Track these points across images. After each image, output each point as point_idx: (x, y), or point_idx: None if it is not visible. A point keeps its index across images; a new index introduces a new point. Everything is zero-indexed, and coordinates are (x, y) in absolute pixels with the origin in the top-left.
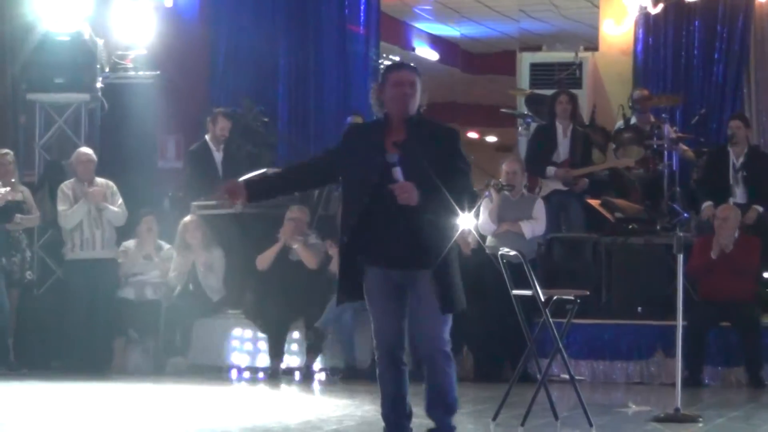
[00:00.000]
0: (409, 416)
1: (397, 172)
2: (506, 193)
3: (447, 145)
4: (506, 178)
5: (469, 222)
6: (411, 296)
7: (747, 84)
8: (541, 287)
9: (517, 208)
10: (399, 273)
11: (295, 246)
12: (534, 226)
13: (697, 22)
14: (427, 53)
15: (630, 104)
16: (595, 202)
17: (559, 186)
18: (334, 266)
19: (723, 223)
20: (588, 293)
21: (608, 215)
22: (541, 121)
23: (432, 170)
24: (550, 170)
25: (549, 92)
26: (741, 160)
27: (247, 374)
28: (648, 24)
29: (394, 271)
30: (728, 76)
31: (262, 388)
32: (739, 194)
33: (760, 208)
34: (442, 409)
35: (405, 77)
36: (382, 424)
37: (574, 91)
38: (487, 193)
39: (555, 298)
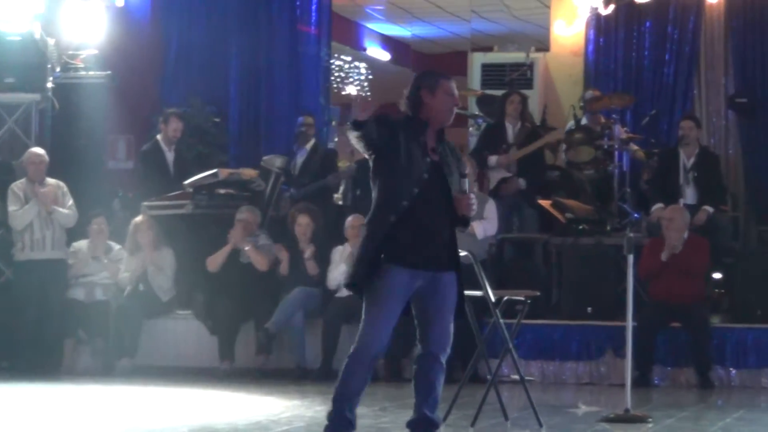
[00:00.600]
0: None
1: (465, 183)
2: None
3: (459, 158)
4: None
5: None
6: (432, 297)
7: (697, 85)
8: (492, 288)
9: None
10: (427, 274)
11: (246, 248)
12: (486, 226)
13: (648, 24)
14: (379, 54)
15: (581, 105)
16: (546, 203)
17: (504, 173)
18: (284, 268)
19: (670, 224)
20: (538, 294)
21: (559, 216)
22: (492, 121)
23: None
24: (492, 159)
25: (500, 93)
26: (692, 160)
27: (196, 375)
28: (599, 25)
29: (422, 272)
30: (679, 77)
31: (212, 389)
32: (689, 195)
33: (711, 209)
34: (434, 405)
35: (455, 89)
36: (326, 422)
37: (525, 91)
38: None
39: (505, 298)
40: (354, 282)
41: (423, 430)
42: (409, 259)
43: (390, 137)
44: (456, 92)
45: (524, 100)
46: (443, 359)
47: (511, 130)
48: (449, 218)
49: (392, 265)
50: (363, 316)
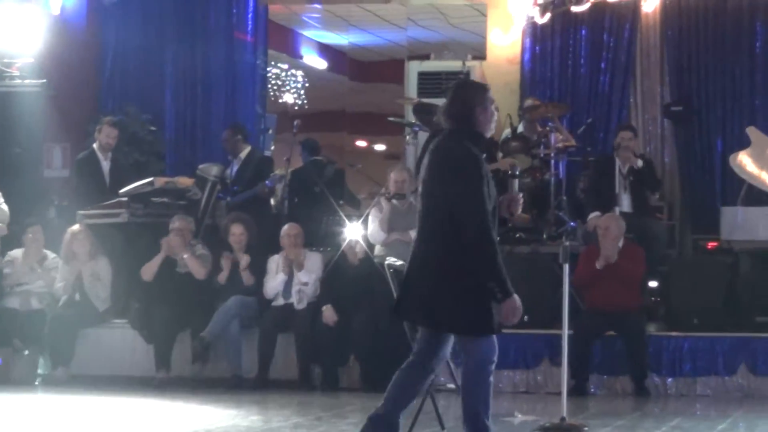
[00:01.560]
0: None
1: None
2: (395, 202)
3: None
4: (395, 187)
5: (356, 232)
6: None
7: (633, 93)
8: None
9: (406, 217)
10: None
11: (185, 256)
12: None
13: (583, 32)
14: (316, 61)
15: (519, 113)
16: None
17: None
18: (223, 277)
19: (606, 233)
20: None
21: None
22: (429, 130)
23: None
24: None
25: (437, 101)
26: (628, 167)
27: (132, 384)
28: (535, 33)
29: None
30: (615, 86)
31: (148, 398)
32: (625, 203)
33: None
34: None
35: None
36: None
37: None
38: (377, 201)
39: None
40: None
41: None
42: None
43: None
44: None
45: None
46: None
47: None
48: None
49: None
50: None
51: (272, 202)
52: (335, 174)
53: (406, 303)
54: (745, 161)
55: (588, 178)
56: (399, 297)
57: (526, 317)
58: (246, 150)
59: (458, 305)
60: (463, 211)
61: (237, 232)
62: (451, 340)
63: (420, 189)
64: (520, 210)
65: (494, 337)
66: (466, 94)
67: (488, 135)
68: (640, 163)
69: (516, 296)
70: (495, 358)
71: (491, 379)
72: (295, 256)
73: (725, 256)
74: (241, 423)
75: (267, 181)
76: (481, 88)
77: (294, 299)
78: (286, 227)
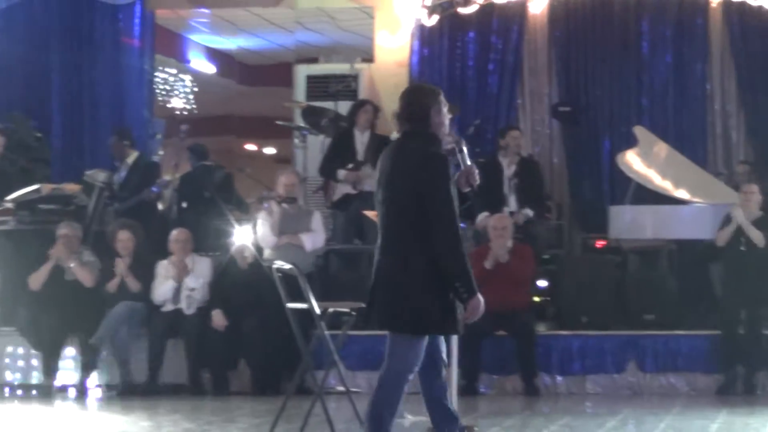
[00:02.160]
0: None
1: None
2: (285, 206)
3: None
4: (285, 191)
5: (245, 236)
6: None
7: (521, 94)
8: (318, 299)
9: (296, 221)
10: None
11: (72, 265)
12: (314, 239)
13: (471, 34)
14: (204, 66)
15: None
16: (371, 214)
17: (350, 190)
18: (113, 285)
19: (503, 233)
20: (363, 305)
21: None
22: (318, 133)
23: None
24: (341, 173)
25: (325, 104)
26: (512, 169)
27: (20, 392)
28: (423, 35)
29: None
30: (503, 87)
31: (36, 406)
32: (512, 203)
33: (530, 212)
34: None
35: None
36: None
37: (350, 103)
38: (266, 205)
39: (331, 310)
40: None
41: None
42: None
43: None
44: None
45: (376, 110)
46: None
47: (359, 137)
48: None
49: None
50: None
51: (160, 207)
52: (224, 178)
53: (373, 312)
54: (632, 160)
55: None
56: (367, 308)
57: None
58: (133, 155)
59: (425, 306)
60: (433, 212)
61: (123, 238)
62: None
63: (380, 195)
64: (478, 180)
65: (422, 343)
66: (420, 97)
67: (442, 137)
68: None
69: (479, 294)
70: (418, 365)
71: (405, 387)
72: (182, 262)
73: (614, 254)
74: (130, 429)
75: (153, 187)
76: (434, 91)
77: (183, 304)
78: (174, 232)
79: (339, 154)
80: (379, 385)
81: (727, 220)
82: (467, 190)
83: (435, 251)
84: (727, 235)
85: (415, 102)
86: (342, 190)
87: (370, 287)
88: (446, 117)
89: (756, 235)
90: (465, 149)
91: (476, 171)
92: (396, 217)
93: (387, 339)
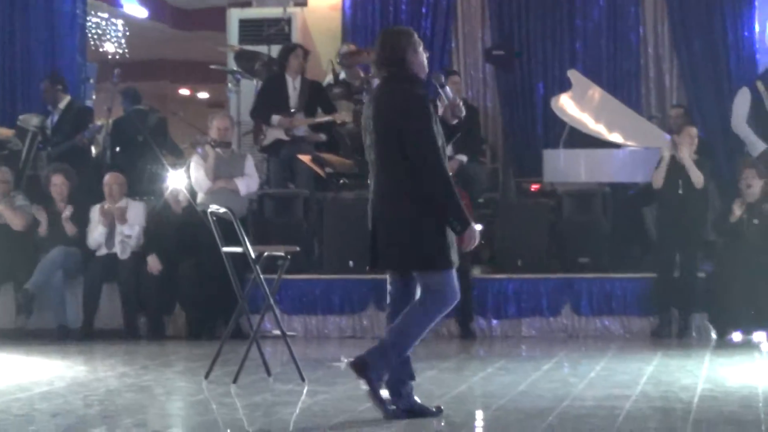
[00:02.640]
0: None
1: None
2: (219, 150)
3: None
4: (218, 135)
5: (179, 181)
6: None
7: (455, 38)
8: (253, 244)
9: (229, 165)
10: None
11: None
12: (248, 183)
13: None
14: (136, 10)
15: (338, 60)
16: (306, 158)
17: (282, 135)
18: (43, 229)
19: None
20: (298, 249)
21: (319, 171)
22: (251, 77)
23: None
24: (275, 118)
25: (259, 48)
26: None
27: None
28: None
29: None
30: (436, 31)
31: None
32: (448, 148)
33: (464, 158)
34: None
35: None
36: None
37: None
38: (199, 149)
39: (266, 254)
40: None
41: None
42: None
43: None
44: None
45: (307, 54)
46: None
47: (291, 82)
48: None
49: None
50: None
51: (93, 151)
52: (158, 123)
53: (375, 254)
54: (566, 104)
55: None
56: (370, 250)
57: (351, 262)
58: (65, 100)
59: (419, 243)
60: (415, 150)
61: (58, 182)
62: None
63: (368, 140)
64: (464, 112)
65: (455, 282)
66: (394, 40)
67: (423, 76)
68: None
69: (473, 223)
70: (452, 303)
71: (432, 324)
72: (117, 206)
73: (548, 198)
74: (66, 373)
75: (85, 132)
76: (407, 32)
77: (117, 249)
78: (107, 176)
79: (271, 99)
80: (406, 314)
81: (662, 160)
82: (455, 122)
83: (424, 191)
84: (662, 173)
85: (390, 46)
86: (273, 134)
87: (370, 230)
88: (423, 56)
89: (696, 176)
90: (445, 83)
91: (460, 103)
92: (384, 160)
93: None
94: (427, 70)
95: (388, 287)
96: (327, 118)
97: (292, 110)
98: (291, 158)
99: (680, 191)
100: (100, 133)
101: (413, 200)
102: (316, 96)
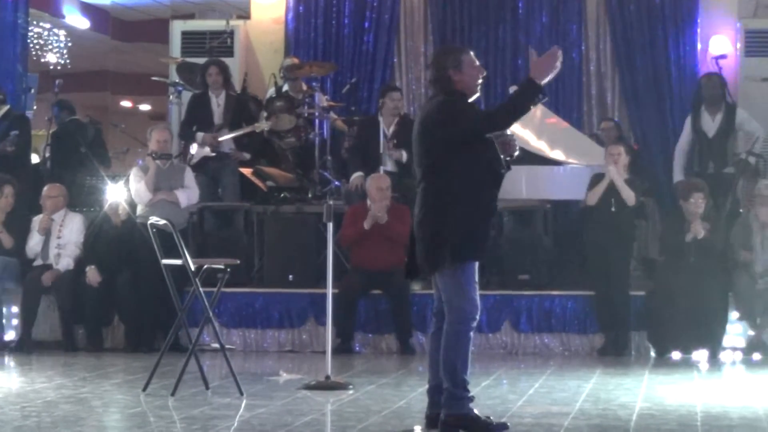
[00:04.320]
0: None
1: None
2: (158, 163)
3: None
4: (158, 147)
5: (119, 193)
6: None
7: (398, 53)
8: (193, 256)
9: (169, 177)
10: None
11: None
12: (189, 195)
13: None
14: (78, 21)
15: (281, 73)
16: (247, 171)
17: (208, 153)
18: None
19: (385, 194)
20: (238, 262)
21: (260, 184)
22: (193, 89)
23: None
24: (199, 136)
25: (201, 60)
26: (392, 129)
27: None
28: None
29: None
30: (379, 45)
31: None
32: (390, 163)
33: (405, 155)
34: None
35: (475, 59)
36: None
37: (226, 59)
38: (140, 161)
39: (205, 267)
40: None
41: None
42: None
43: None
44: (477, 61)
45: (223, 69)
46: None
47: (215, 99)
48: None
49: None
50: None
51: (36, 159)
52: (96, 134)
53: (413, 263)
54: None
55: (352, 138)
56: (407, 261)
57: (291, 276)
58: (3, 109)
59: (443, 241)
60: (469, 129)
61: (8, 193)
62: None
63: (414, 159)
64: (518, 151)
65: (476, 298)
66: (439, 59)
67: (472, 93)
68: (403, 155)
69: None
70: (476, 316)
71: (470, 335)
72: (49, 218)
73: None
74: (3, 385)
75: (7, 139)
76: (455, 51)
77: (52, 260)
78: (46, 188)
79: (196, 117)
80: (444, 339)
81: (596, 179)
82: (508, 158)
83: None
84: (599, 193)
85: (435, 65)
86: (200, 153)
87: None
88: (474, 70)
89: (628, 195)
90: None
91: (515, 142)
92: (418, 170)
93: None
94: (475, 89)
95: (435, 302)
96: (246, 129)
97: (216, 127)
98: (218, 173)
99: (613, 209)
100: (15, 141)
101: (440, 207)
102: (240, 111)
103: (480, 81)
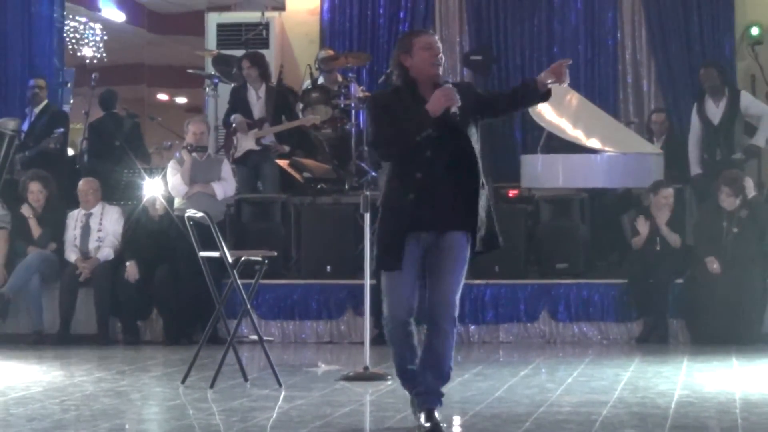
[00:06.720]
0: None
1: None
2: (195, 155)
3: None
4: (194, 139)
5: (156, 188)
6: (434, 260)
7: None
8: (230, 249)
9: (206, 170)
10: (430, 236)
11: None
12: (225, 187)
13: None
14: (114, 14)
15: (316, 65)
16: (283, 163)
17: (254, 146)
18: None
19: None
20: (275, 254)
21: (297, 175)
22: (229, 81)
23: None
24: (237, 117)
25: (237, 53)
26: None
27: None
28: None
29: (425, 234)
30: None
31: None
32: None
33: None
34: (440, 375)
35: (431, 40)
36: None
37: (262, 51)
38: (177, 154)
39: (243, 259)
40: (391, 267)
41: (426, 399)
42: (414, 223)
43: (391, 125)
44: (433, 42)
45: (257, 61)
46: (445, 326)
47: (254, 92)
48: (462, 173)
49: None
50: (383, 287)
51: (71, 153)
52: (132, 128)
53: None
54: (544, 110)
55: None
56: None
57: (329, 267)
58: (43, 103)
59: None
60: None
61: (35, 190)
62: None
63: None
64: (458, 102)
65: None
66: (395, 45)
67: (426, 78)
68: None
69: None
70: (390, 313)
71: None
72: (88, 212)
73: (526, 204)
74: (42, 378)
75: (51, 137)
76: (409, 34)
77: (92, 254)
78: (81, 182)
79: (236, 109)
80: None
81: (640, 223)
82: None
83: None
84: (644, 238)
85: (393, 53)
86: (244, 146)
87: None
88: (425, 52)
89: (674, 239)
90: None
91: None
92: None
93: None
94: (429, 73)
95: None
96: (296, 123)
97: (257, 119)
98: (259, 166)
99: (657, 248)
100: (60, 138)
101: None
102: (281, 103)
103: (435, 63)
